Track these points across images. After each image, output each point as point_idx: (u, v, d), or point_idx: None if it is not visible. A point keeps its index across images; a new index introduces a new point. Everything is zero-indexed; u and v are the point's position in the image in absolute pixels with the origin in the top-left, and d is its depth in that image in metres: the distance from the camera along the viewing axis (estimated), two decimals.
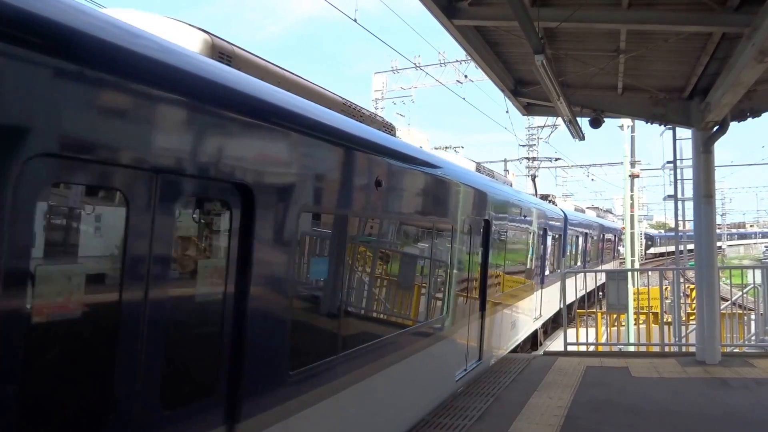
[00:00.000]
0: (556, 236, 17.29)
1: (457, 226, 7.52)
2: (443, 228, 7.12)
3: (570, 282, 16.03)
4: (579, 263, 22.05)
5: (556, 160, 32.07)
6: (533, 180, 24.64)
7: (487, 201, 9.03)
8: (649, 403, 7.45)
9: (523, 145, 31.53)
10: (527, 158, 31.53)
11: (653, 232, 66.20)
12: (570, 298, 16.79)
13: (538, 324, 14.82)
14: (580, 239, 22.73)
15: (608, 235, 31.36)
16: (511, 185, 13.39)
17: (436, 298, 7.08)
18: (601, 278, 17.48)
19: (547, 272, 15.50)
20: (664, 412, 7.12)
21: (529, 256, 12.93)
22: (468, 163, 10.43)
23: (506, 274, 10.60)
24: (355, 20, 13.02)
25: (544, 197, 20.15)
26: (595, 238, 27.00)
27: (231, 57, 4.31)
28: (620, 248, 35.69)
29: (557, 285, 16.40)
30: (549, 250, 15.90)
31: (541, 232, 14.23)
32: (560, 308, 16.77)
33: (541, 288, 14.59)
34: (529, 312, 13.30)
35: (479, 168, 10.75)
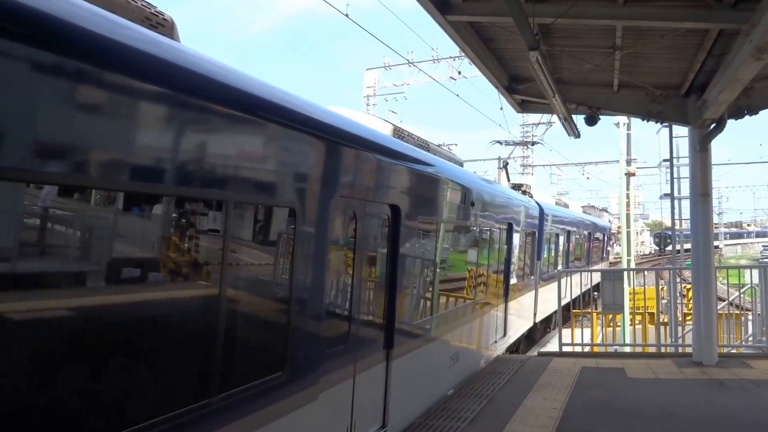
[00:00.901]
0: (529, 234, 14.32)
1: (314, 212, 4.52)
2: (268, 214, 4.20)
3: (545, 289, 15.32)
4: (559, 267, 18.93)
5: (533, 144, 30.04)
6: (505, 168, 20.78)
7: (398, 179, 6.31)
8: (645, 405, 7.36)
9: (518, 142, 30.92)
10: (498, 142, 25.72)
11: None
12: (547, 311, 15.98)
13: (501, 348, 11.45)
14: (561, 238, 19.72)
15: (596, 234, 28.56)
16: (461, 165, 10.31)
17: (267, 341, 4.12)
18: (591, 280, 16.64)
19: (513, 280, 12.22)
20: (661, 413, 7.04)
21: (483, 260, 9.66)
22: (381, 125, 7.45)
23: (440, 287, 7.64)
24: (346, 15, 12.93)
25: (517, 187, 17.21)
26: (581, 236, 24.32)
27: None
28: (610, 248, 34.78)
29: (531, 294, 14.85)
30: (517, 251, 12.64)
31: (505, 228, 11.27)
32: (535, 323, 15.66)
33: (506, 301, 11.56)
34: (486, 335, 10.14)
35: (400, 133, 7.59)
